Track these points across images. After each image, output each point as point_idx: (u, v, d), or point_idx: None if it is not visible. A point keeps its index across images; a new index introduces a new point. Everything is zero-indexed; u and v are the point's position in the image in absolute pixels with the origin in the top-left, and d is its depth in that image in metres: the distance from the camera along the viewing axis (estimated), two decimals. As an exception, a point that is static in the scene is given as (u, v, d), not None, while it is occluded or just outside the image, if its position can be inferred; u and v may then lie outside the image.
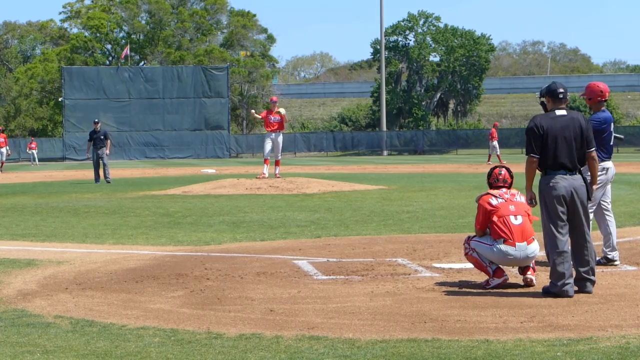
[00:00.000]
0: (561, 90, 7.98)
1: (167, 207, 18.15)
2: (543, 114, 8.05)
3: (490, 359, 5.69)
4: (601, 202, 9.61)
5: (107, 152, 28.51)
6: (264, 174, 24.42)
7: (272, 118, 24.16)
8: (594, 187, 8.10)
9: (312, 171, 35.92)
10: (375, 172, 36.60)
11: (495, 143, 42.94)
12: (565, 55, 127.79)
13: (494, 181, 8.59)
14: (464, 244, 8.55)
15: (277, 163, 24.77)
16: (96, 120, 29.70)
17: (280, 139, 24.36)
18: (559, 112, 7.95)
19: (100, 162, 28.49)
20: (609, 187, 9.67)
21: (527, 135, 7.93)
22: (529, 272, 8.27)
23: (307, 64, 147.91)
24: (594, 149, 8.00)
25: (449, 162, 48.05)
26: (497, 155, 42.46)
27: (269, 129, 24.33)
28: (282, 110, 24.22)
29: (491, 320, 6.86)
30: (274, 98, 25.16)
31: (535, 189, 8.04)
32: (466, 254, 8.47)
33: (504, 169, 8.66)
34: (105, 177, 28.25)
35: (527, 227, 8.20)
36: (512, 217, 8.18)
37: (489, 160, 42.88)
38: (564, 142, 7.83)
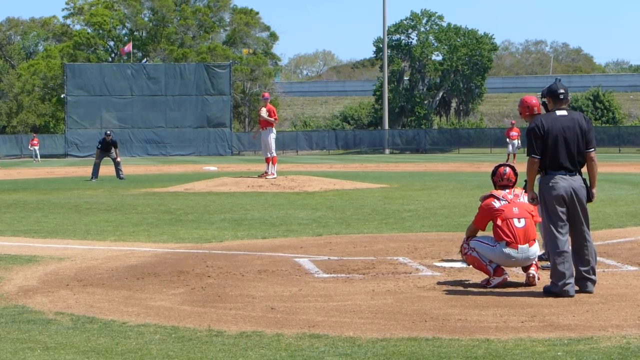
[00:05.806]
0: (562, 90, 7.98)
1: (168, 204, 18.16)
2: (544, 114, 8.05)
3: (490, 358, 5.69)
4: None
5: (118, 158, 28.89)
6: (266, 172, 24.37)
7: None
8: (594, 189, 8.00)
9: (314, 169, 35.90)
10: (377, 170, 36.58)
11: (515, 142, 41.86)
12: (568, 55, 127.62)
13: (498, 180, 8.59)
14: (462, 245, 8.53)
15: (272, 161, 24.40)
16: (108, 132, 29.94)
17: (264, 136, 23.97)
18: (559, 113, 7.94)
19: (113, 162, 28.94)
20: None
21: (528, 136, 7.93)
22: (532, 268, 8.27)
23: (309, 62, 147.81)
24: (593, 149, 7.90)
25: (451, 161, 48.01)
26: (509, 154, 41.59)
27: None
28: (262, 111, 23.87)
29: (492, 319, 6.86)
30: (265, 95, 24.90)
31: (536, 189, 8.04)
32: (465, 254, 8.44)
33: (508, 167, 8.65)
34: (119, 175, 28.48)
35: (529, 229, 8.19)
36: (515, 220, 8.17)
37: (508, 159, 40.34)
38: (564, 143, 7.81)
